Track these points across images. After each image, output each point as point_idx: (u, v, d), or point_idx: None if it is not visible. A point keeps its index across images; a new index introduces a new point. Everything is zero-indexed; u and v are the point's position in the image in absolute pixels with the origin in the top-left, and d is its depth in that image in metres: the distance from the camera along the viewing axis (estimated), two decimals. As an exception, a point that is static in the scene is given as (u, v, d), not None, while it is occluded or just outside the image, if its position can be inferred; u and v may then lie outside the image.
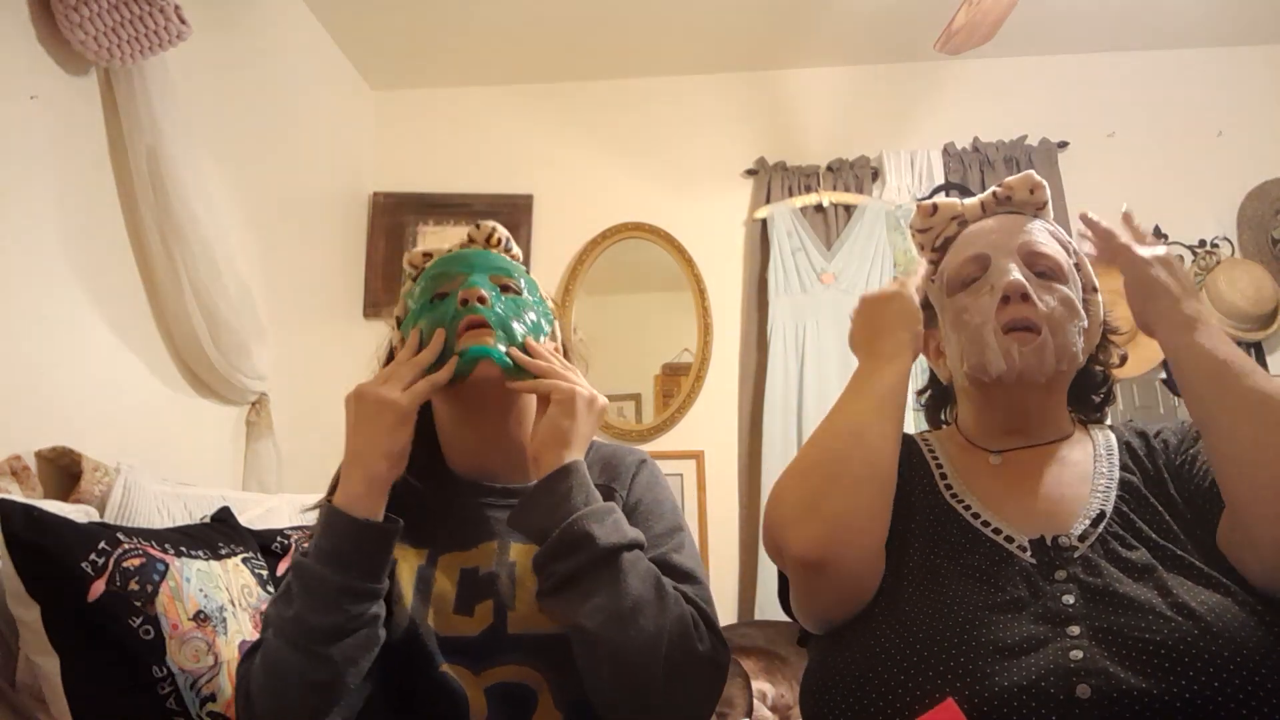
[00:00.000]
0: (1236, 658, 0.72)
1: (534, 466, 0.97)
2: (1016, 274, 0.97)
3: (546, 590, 0.91)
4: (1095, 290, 1.05)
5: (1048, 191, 1.07)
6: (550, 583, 0.91)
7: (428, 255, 1.14)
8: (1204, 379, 0.85)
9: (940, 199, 1.11)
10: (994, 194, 1.07)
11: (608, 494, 1.01)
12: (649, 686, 0.87)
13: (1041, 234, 1.03)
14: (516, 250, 1.17)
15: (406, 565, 1.02)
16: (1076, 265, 1.03)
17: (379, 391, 0.97)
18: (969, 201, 1.09)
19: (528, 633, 0.96)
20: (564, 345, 1.15)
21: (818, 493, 0.87)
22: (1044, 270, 1.00)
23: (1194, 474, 0.91)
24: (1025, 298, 0.96)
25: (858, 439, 0.91)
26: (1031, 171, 1.07)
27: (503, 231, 1.16)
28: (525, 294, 1.10)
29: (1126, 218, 0.98)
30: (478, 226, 1.15)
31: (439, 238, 3.08)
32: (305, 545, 0.97)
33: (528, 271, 1.16)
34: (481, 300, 1.03)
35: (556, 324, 1.14)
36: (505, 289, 1.08)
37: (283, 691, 0.91)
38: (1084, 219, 0.97)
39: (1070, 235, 1.07)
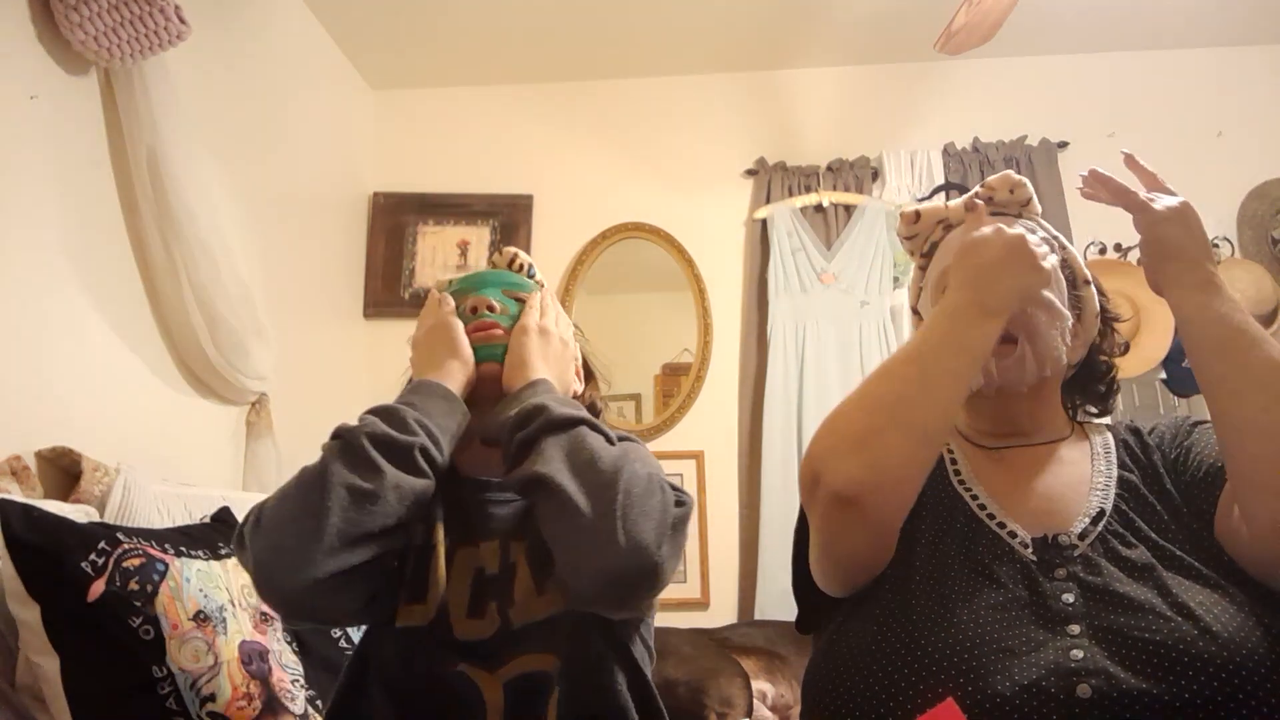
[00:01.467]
0: (1235, 659, 0.72)
1: (510, 388, 1.03)
2: None
3: (510, 463, 0.95)
4: (1088, 283, 1.04)
5: (1029, 189, 1.06)
6: (511, 453, 0.94)
7: (451, 282, 1.22)
8: (1214, 345, 0.84)
9: (924, 205, 1.10)
10: (976, 196, 1.07)
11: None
12: (611, 526, 0.84)
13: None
14: (540, 277, 1.22)
15: (438, 551, 1.02)
16: (1063, 262, 1.03)
17: (430, 323, 1.11)
18: (953, 204, 1.08)
19: (530, 621, 0.97)
20: (584, 359, 1.20)
21: (872, 429, 0.84)
22: None
23: (1189, 465, 0.91)
24: None
25: (928, 390, 0.86)
26: (1010, 171, 1.07)
27: (525, 258, 1.22)
28: None
29: (1130, 160, 0.96)
30: (499, 252, 1.24)
31: (439, 238, 3.08)
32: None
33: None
34: (490, 308, 1.11)
35: (576, 343, 1.18)
36: (518, 301, 1.15)
37: (310, 502, 0.87)
38: (1094, 175, 0.95)
39: (1067, 234, 1.06)
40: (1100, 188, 0.95)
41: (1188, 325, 0.87)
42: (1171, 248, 0.89)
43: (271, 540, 0.88)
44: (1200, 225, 0.91)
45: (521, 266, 1.22)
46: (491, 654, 0.96)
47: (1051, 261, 0.95)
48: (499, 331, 1.09)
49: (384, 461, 0.91)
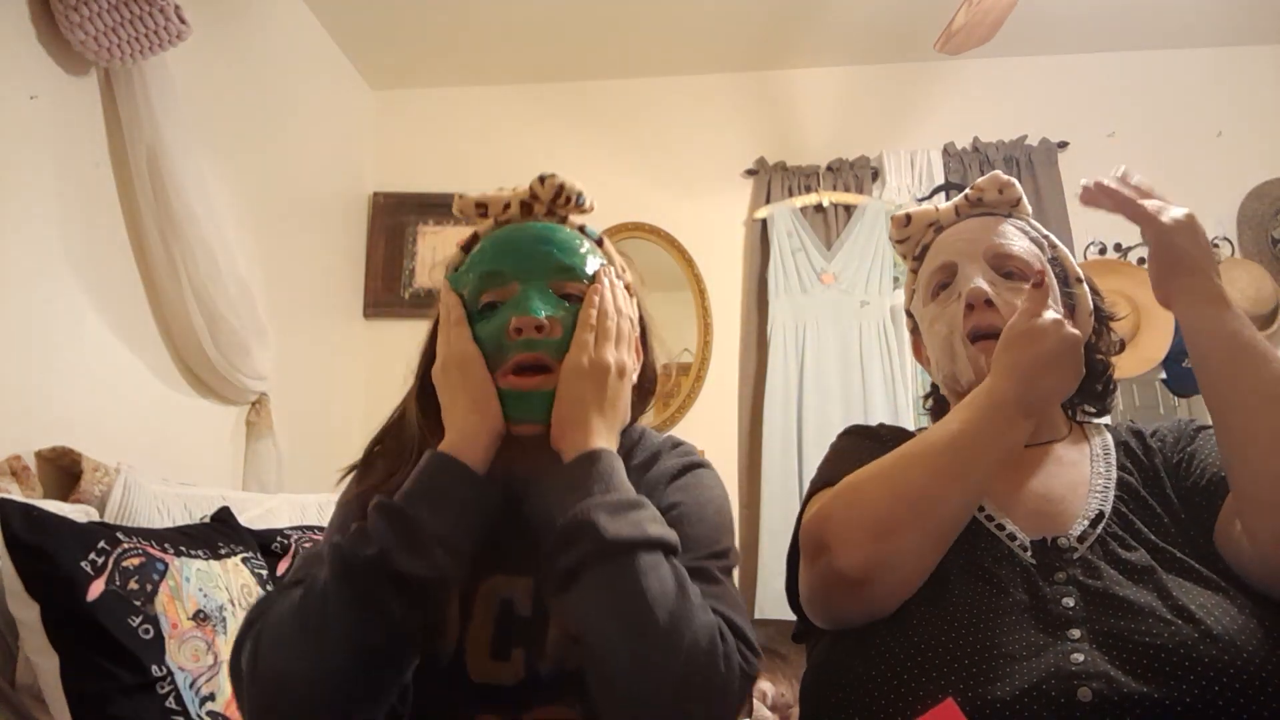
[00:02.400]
0: (1237, 661, 0.72)
1: (559, 453, 0.83)
2: (978, 280, 0.96)
3: (551, 590, 0.78)
4: (1080, 280, 1.04)
5: (1018, 189, 1.06)
6: (554, 581, 0.77)
7: (481, 207, 0.96)
8: (1225, 359, 0.83)
9: (914, 208, 1.10)
10: (965, 197, 1.06)
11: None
12: (661, 708, 0.72)
13: (1011, 235, 1.01)
14: (590, 202, 0.96)
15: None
16: (1054, 259, 1.02)
17: (452, 352, 0.87)
18: (943, 206, 1.08)
19: (559, 669, 0.83)
20: (643, 325, 0.98)
21: (893, 522, 0.83)
22: (1011, 271, 0.99)
23: (1191, 472, 0.91)
24: (989, 304, 0.95)
25: (956, 487, 0.85)
26: (998, 172, 1.06)
27: (573, 186, 0.94)
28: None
29: (1125, 180, 0.95)
30: (541, 181, 0.93)
31: (439, 238, 3.08)
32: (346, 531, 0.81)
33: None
34: (539, 329, 0.84)
35: (637, 308, 0.97)
36: (568, 297, 0.88)
37: (317, 652, 0.74)
38: (1099, 186, 0.93)
39: (1063, 234, 1.06)
40: (1105, 198, 0.94)
41: (1198, 338, 0.86)
42: (1182, 260, 0.88)
43: (270, 690, 0.75)
44: (1206, 236, 0.91)
45: (569, 199, 0.93)
46: (515, 703, 0.83)
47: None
48: (544, 376, 0.85)
49: (409, 611, 0.76)
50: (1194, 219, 0.89)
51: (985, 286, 0.96)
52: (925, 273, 1.05)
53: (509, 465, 0.87)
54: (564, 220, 0.95)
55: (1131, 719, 0.71)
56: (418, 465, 0.82)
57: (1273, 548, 0.77)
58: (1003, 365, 0.88)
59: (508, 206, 0.94)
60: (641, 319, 0.98)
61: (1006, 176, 1.05)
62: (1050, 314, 0.89)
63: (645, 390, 1.00)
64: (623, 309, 0.90)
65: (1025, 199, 1.07)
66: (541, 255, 0.89)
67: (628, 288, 0.95)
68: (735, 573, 0.86)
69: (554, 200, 0.93)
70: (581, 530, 0.74)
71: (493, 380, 0.85)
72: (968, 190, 1.07)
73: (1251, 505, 0.79)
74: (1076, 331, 0.89)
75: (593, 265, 0.91)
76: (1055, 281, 1.00)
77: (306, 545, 1.65)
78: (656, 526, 0.77)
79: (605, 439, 0.82)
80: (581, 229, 0.95)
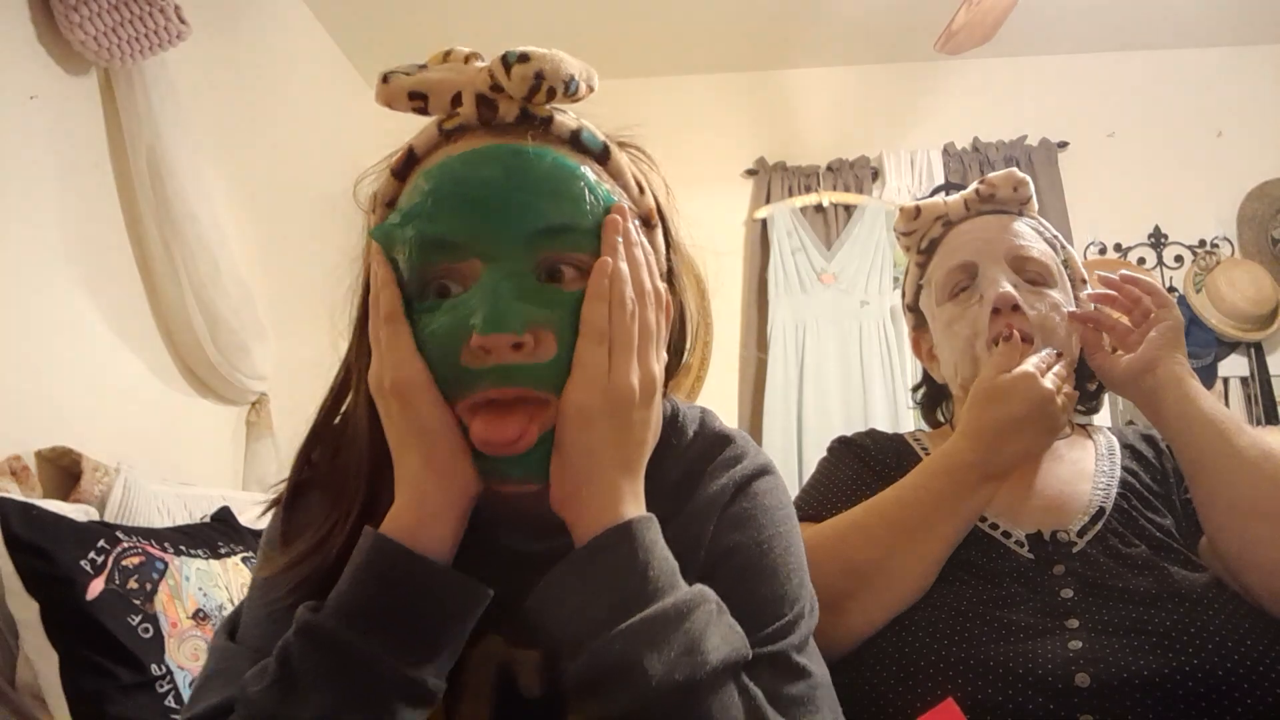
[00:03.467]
0: (1235, 634, 0.73)
1: (567, 523, 0.57)
2: (1006, 285, 0.95)
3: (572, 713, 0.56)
4: (1084, 282, 1.04)
5: (1031, 187, 1.05)
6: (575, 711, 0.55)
7: (417, 99, 0.60)
8: (1208, 434, 0.84)
9: (924, 200, 1.08)
10: (976, 191, 1.04)
11: (685, 548, 0.58)
12: None
13: (1029, 236, 1.01)
14: (586, 85, 0.63)
15: None
16: (1064, 262, 1.02)
17: (395, 376, 0.56)
18: (952, 200, 1.06)
19: None
20: (670, 266, 0.67)
21: (845, 595, 0.82)
22: (1033, 277, 0.98)
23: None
24: (1016, 309, 0.94)
25: (915, 558, 0.83)
26: (1014, 169, 1.06)
27: (558, 70, 0.59)
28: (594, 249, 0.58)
29: (1130, 278, 0.97)
30: (507, 66, 0.58)
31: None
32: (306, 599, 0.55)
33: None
34: (518, 346, 0.54)
35: (664, 239, 0.66)
36: (555, 273, 0.57)
37: None
38: (1123, 276, 0.97)
39: (1063, 234, 1.06)
40: (1129, 283, 0.97)
41: (1189, 405, 0.86)
42: (1181, 338, 0.92)
43: None
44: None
45: (553, 91, 0.59)
46: None
47: (1052, 383, 0.89)
48: (530, 417, 0.55)
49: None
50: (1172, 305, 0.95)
51: (1014, 292, 0.95)
52: (941, 271, 1.03)
53: (521, 511, 0.62)
54: (548, 126, 0.61)
55: (1131, 702, 0.71)
56: (357, 553, 0.54)
57: (1271, 601, 0.77)
58: (965, 425, 0.87)
59: (458, 102, 0.60)
60: (669, 256, 0.67)
61: (1022, 174, 1.03)
62: (1023, 368, 0.86)
63: (673, 352, 0.69)
64: (646, 283, 0.59)
65: (1035, 199, 1.07)
66: (518, 209, 0.55)
67: (648, 218, 0.64)
68: (810, 618, 0.63)
69: (529, 97, 0.59)
70: (619, 675, 0.51)
71: (453, 414, 0.56)
72: (979, 185, 1.05)
73: (1243, 569, 0.80)
74: (1049, 386, 0.85)
75: (599, 210, 0.58)
76: (1069, 285, 1.00)
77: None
78: (718, 639, 0.53)
79: (633, 501, 0.56)
80: (576, 137, 0.62)
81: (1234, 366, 2.80)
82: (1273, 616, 0.76)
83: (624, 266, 0.57)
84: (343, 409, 0.66)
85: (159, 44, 1.77)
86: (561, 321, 0.55)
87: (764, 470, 0.68)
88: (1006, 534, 0.89)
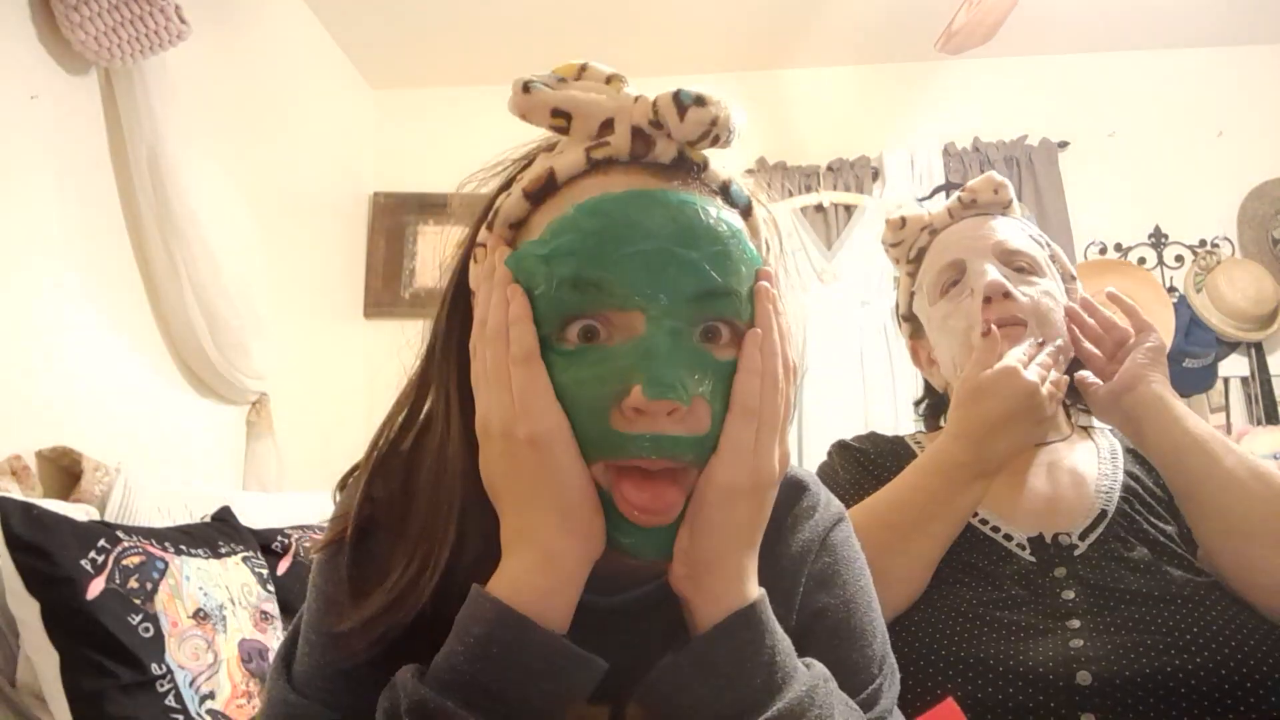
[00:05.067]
0: (1238, 634, 0.73)
1: (687, 601, 0.54)
2: (994, 273, 0.96)
3: None
4: (1074, 279, 1.04)
5: (1011, 190, 1.06)
6: None
7: (560, 117, 0.57)
8: (1195, 456, 0.84)
9: (907, 211, 1.10)
10: (959, 199, 1.06)
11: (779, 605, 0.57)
12: None
13: (1012, 231, 1.02)
14: (736, 131, 0.59)
15: None
16: (1052, 257, 1.03)
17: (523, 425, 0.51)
18: (935, 210, 1.08)
19: None
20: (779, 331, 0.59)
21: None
22: (1021, 266, 0.99)
23: None
24: (1007, 295, 0.95)
25: (906, 559, 0.84)
26: (993, 173, 1.07)
27: (728, 122, 0.59)
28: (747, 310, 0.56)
29: (1130, 311, 0.98)
30: (681, 108, 0.56)
31: (439, 238, 3.08)
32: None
33: None
34: (672, 413, 0.51)
35: (789, 326, 0.61)
36: (711, 335, 0.54)
37: None
38: (1110, 295, 0.98)
39: (1063, 233, 1.07)
40: (1113, 304, 0.98)
41: (1174, 427, 0.87)
42: (1163, 358, 0.92)
43: None
44: None
45: (718, 140, 0.58)
46: None
47: (1035, 374, 0.89)
48: (676, 494, 0.52)
49: None
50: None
51: (1003, 279, 0.96)
52: (930, 272, 1.04)
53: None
54: (702, 174, 0.59)
55: (1132, 700, 0.71)
56: (474, 620, 0.49)
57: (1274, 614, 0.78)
58: (953, 424, 0.87)
59: (606, 128, 0.56)
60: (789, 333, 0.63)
61: (1000, 178, 1.05)
62: (1004, 362, 0.86)
63: None
64: (790, 356, 0.60)
65: (1016, 202, 1.08)
66: (688, 267, 0.52)
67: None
68: (894, 677, 0.63)
69: (694, 142, 0.57)
70: None
71: (589, 475, 0.52)
72: (960, 193, 1.06)
73: (1244, 588, 0.81)
74: (1032, 379, 0.84)
75: (750, 273, 0.56)
76: (1059, 279, 1.01)
77: (306, 545, 1.65)
78: None
79: (752, 579, 0.54)
80: (726, 189, 0.60)
81: (1234, 366, 2.80)
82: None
83: (776, 340, 0.56)
84: (410, 435, 0.60)
85: (159, 44, 1.77)
86: (715, 392, 0.53)
87: (839, 518, 0.67)
88: (1008, 536, 0.89)
